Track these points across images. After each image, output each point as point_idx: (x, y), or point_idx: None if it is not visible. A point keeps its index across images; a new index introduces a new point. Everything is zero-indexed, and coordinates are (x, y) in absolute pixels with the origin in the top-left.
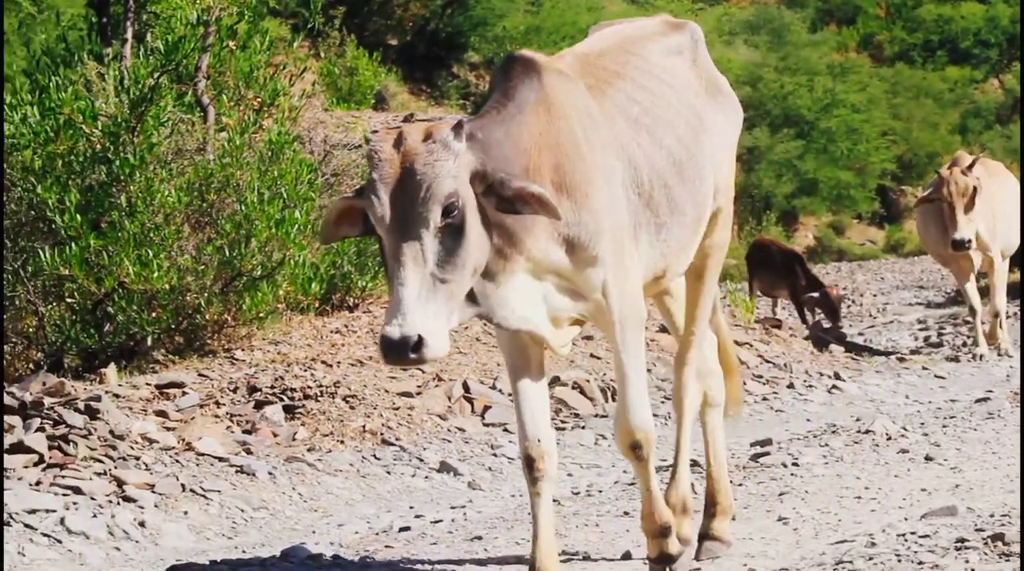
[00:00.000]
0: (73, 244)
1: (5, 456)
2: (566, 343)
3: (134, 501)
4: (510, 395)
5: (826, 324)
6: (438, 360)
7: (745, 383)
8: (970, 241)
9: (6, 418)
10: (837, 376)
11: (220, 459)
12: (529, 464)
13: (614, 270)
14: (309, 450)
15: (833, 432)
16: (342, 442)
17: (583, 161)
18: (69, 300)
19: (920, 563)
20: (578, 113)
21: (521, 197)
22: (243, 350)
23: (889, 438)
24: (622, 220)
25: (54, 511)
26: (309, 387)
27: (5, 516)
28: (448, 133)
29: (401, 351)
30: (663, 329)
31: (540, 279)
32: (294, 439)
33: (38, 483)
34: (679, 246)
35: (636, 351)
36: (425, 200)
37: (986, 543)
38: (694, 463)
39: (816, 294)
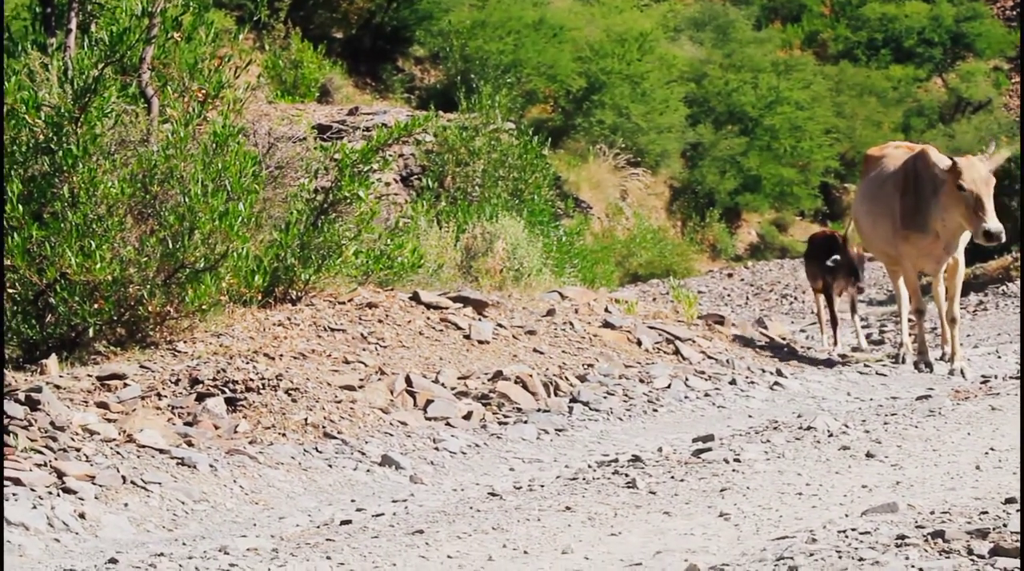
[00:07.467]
0: (15, 234)
1: None
2: None
3: (74, 493)
4: (452, 388)
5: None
6: None
7: (688, 379)
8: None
9: None
10: (779, 373)
11: (161, 451)
12: None
13: None
14: (251, 443)
15: (775, 428)
16: (284, 435)
17: None
18: (10, 291)
19: (861, 559)
20: None
21: None
22: (185, 342)
23: (830, 435)
24: None
25: None
26: (251, 379)
27: None
28: None
29: None
30: (607, 325)
31: None
32: (236, 432)
33: None
34: None
35: None
36: None
37: (926, 540)
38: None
39: (838, 258)
